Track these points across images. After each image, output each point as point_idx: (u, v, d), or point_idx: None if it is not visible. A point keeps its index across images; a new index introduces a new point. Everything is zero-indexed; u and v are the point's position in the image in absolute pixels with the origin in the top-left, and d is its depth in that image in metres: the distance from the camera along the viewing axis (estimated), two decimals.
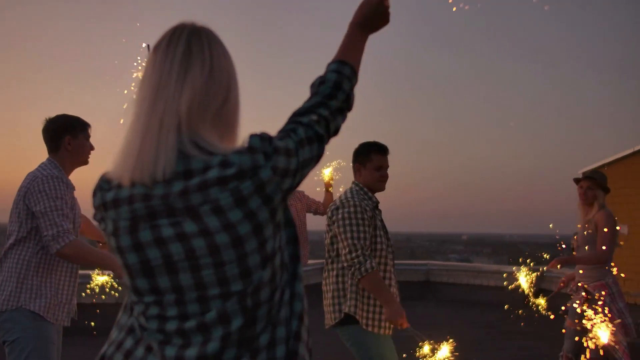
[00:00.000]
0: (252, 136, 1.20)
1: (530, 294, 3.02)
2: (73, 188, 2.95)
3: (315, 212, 5.78)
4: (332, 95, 1.37)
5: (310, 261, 7.46)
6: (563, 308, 4.54)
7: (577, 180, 4.54)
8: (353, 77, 1.42)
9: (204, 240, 1.14)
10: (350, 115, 1.43)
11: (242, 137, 1.27)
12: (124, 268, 1.22)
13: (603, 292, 4.23)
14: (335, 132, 1.38)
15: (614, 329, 4.11)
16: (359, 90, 1.48)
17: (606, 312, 4.16)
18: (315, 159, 1.29)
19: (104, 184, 1.25)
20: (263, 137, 1.20)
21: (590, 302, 4.27)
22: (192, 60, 1.22)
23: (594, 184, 4.43)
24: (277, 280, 1.23)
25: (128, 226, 1.18)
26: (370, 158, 3.38)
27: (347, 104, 1.40)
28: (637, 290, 8.19)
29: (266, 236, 1.18)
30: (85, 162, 3.06)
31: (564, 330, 4.53)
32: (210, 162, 1.15)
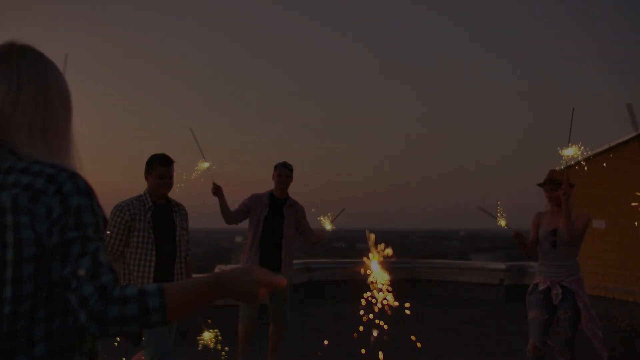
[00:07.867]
0: (65, 173, 1.26)
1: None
2: None
3: (302, 234, 5.65)
4: (121, 314, 1.18)
5: (295, 260, 7.41)
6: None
7: (543, 184, 4.60)
8: (158, 320, 1.21)
9: None
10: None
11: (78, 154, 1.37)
12: None
13: (578, 287, 4.38)
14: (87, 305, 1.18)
15: (589, 320, 4.31)
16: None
17: (582, 305, 4.33)
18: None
19: None
20: (73, 176, 1.25)
21: (567, 296, 4.39)
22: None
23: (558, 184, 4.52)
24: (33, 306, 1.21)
25: None
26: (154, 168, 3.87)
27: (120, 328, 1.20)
28: (615, 285, 8.29)
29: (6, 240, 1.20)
30: None
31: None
32: (15, 166, 1.25)
